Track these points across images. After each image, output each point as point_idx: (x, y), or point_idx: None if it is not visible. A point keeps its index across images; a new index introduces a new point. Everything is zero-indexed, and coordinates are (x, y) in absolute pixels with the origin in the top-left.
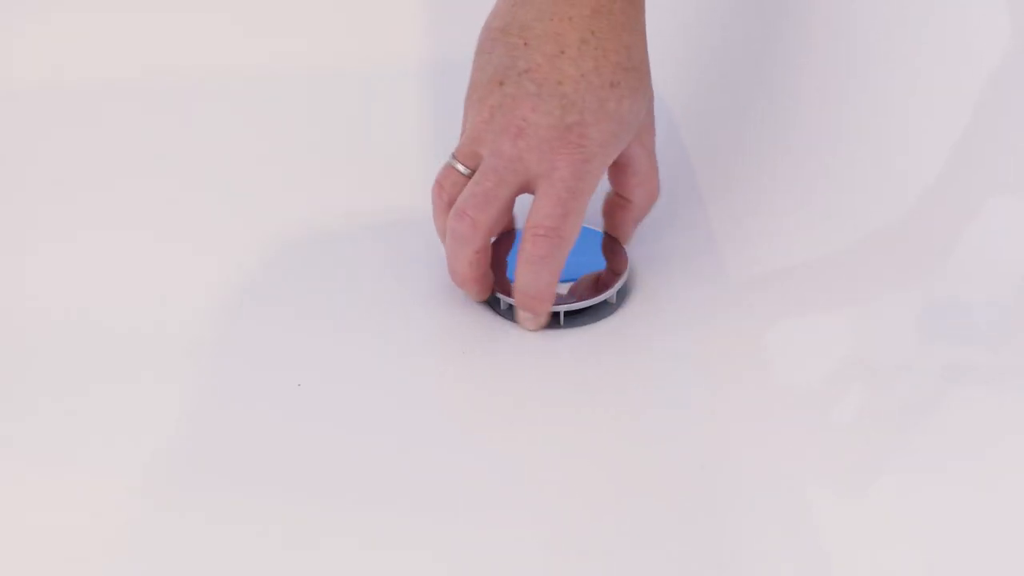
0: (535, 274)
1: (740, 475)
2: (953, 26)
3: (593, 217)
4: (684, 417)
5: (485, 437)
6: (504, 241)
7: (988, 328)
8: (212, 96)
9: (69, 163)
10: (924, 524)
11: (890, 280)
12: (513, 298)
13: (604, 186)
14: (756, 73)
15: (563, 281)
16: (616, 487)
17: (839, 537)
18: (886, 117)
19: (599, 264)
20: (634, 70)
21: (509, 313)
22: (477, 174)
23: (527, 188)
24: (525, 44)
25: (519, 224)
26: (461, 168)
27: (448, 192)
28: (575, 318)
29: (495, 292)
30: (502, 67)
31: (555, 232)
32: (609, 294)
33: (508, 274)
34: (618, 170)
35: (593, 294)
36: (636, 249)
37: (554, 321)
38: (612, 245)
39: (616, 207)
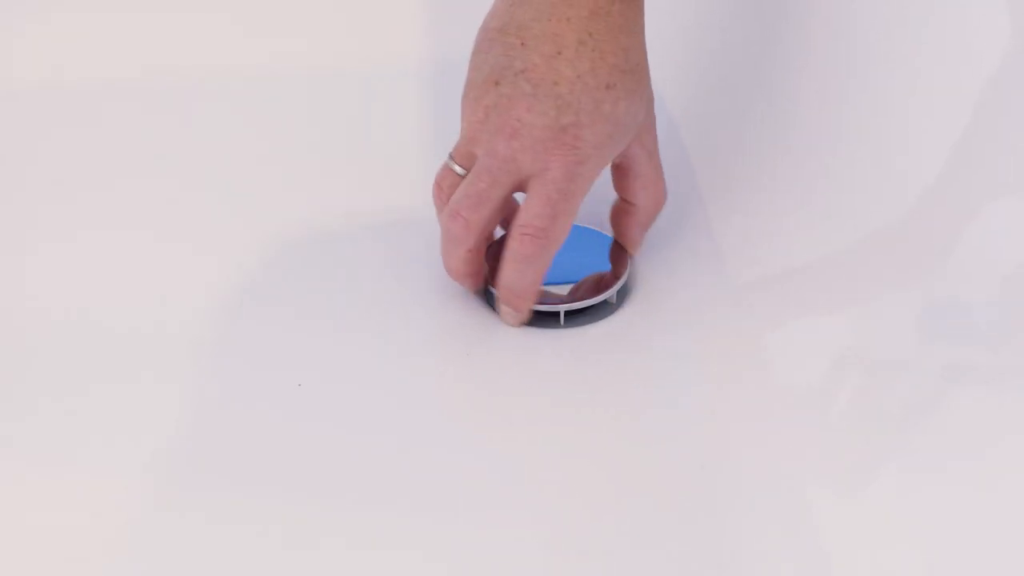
0: (519, 273)
1: (740, 475)
2: (953, 26)
3: (604, 222)
4: (684, 417)
5: (485, 437)
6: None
7: (988, 328)
8: (212, 96)
9: (69, 163)
10: (924, 524)
11: (890, 280)
12: (496, 292)
13: (612, 194)
14: (756, 73)
15: (565, 283)
16: (616, 487)
17: (839, 537)
18: (886, 117)
19: (602, 266)
20: (631, 72)
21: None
22: (471, 174)
23: (520, 188)
24: (522, 44)
25: None
26: (458, 169)
27: (447, 192)
28: (575, 318)
29: (495, 291)
30: (498, 67)
31: (542, 232)
32: (609, 294)
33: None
34: (620, 174)
35: (593, 294)
36: None
37: (554, 321)
38: (618, 250)
39: (621, 213)
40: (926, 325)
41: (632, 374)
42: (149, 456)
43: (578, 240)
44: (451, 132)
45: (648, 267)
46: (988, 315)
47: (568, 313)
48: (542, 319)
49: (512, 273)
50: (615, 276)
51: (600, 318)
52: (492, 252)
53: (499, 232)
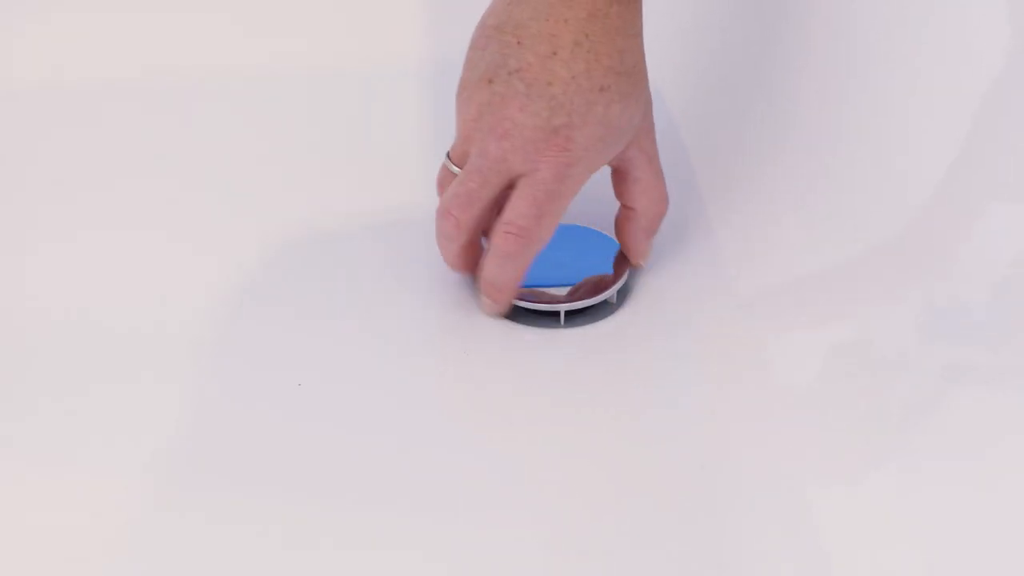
0: (500, 269)
1: (740, 475)
2: (953, 26)
3: (603, 223)
4: (684, 417)
5: (485, 437)
6: None
7: (988, 328)
8: (212, 96)
9: (69, 163)
10: (924, 524)
11: (890, 280)
12: (478, 285)
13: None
14: (756, 73)
15: (565, 283)
16: (616, 487)
17: (839, 537)
18: (886, 117)
19: (603, 267)
20: (627, 75)
21: (510, 313)
22: (462, 173)
23: (512, 187)
24: (518, 43)
25: None
26: (455, 169)
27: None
28: (575, 318)
29: None
30: (493, 65)
31: (525, 232)
32: (609, 294)
33: None
34: (619, 178)
35: (593, 294)
36: None
37: (554, 321)
38: (622, 254)
39: (622, 219)
40: (926, 325)
41: (632, 374)
42: (149, 456)
43: (578, 241)
44: (451, 132)
45: (648, 267)
46: (988, 315)
47: (568, 313)
48: (542, 319)
49: (493, 268)
50: (615, 276)
51: (600, 318)
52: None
53: None
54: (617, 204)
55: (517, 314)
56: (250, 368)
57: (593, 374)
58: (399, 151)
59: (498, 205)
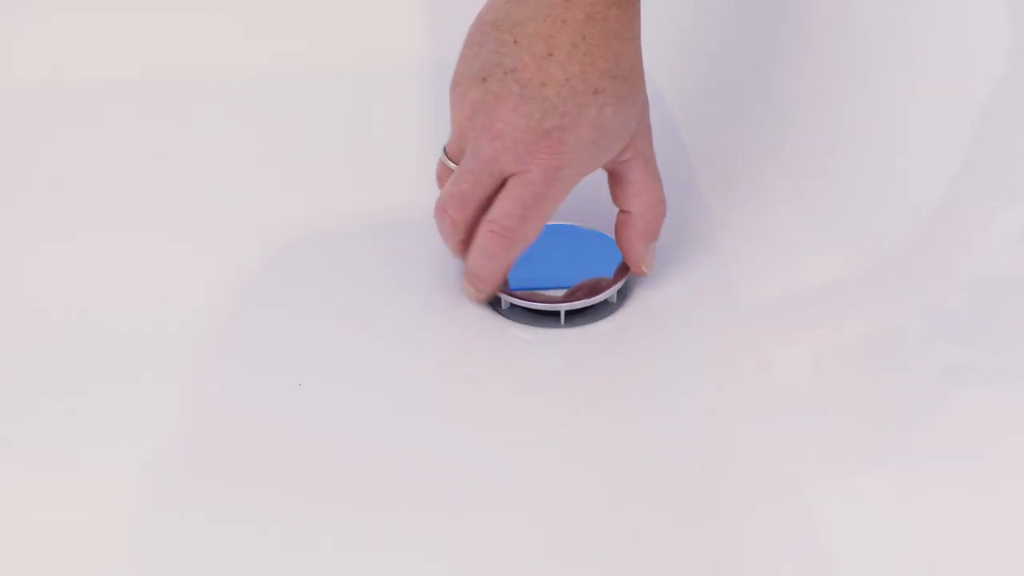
0: (483, 264)
1: (740, 475)
2: (953, 26)
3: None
4: (684, 417)
5: (485, 437)
6: None
7: (988, 328)
8: (212, 96)
9: (69, 163)
10: (924, 524)
11: (890, 280)
12: (464, 274)
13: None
14: (756, 74)
15: (565, 283)
16: (616, 487)
17: (839, 537)
18: (886, 117)
19: (603, 268)
20: (622, 78)
21: (510, 313)
22: (456, 173)
23: (504, 185)
24: (515, 42)
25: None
26: (451, 165)
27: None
28: (575, 318)
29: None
30: (488, 63)
31: (509, 232)
32: (609, 294)
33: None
34: (614, 181)
35: (593, 294)
36: None
37: (554, 321)
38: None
39: (619, 225)
40: (926, 325)
41: (632, 374)
42: (149, 456)
43: (578, 241)
44: (450, 132)
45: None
46: (988, 315)
47: (568, 313)
48: (542, 319)
49: (476, 263)
50: (615, 277)
51: (600, 318)
52: None
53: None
54: (609, 200)
55: (517, 314)
56: (250, 368)
57: (593, 374)
58: (399, 151)
59: (492, 201)
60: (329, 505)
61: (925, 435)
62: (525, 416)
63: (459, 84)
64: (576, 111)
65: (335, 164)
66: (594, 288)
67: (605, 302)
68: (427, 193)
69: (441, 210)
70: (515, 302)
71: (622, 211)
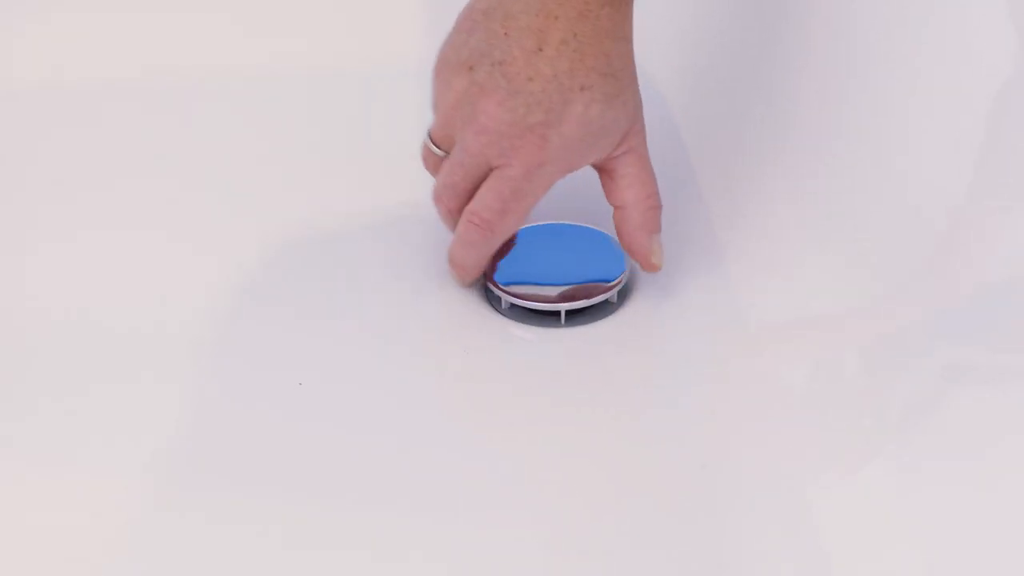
0: (463, 252)
1: (740, 475)
2: (953, 26)
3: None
4: (684, 417)
5: (485, 437)
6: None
7: (988, 328)
8: (212, 96)
9: (69, 163)
10: (924, 524)
11: (890, 280)
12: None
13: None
14: (756, 74)
15: (565, 283)
16: (616, 487)
17: (839, 537)
18: (886, 117)
19: (603, 267)
20: (612, 77)
21: (510, 312)
22: (447, 164)
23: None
24: (505, 34)
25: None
26: (436, 151)
27: (432, 168)
28: (576, 317)
29: (496, 290)
30: (477, 52)
31: (488, 224)
32: (610, 294)
33: (496, 276)
34: (606, 178)
35: (594, 294)
36: None
37: (555, 321)
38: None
39: (617, 221)
40: (926, 325)
41: (632, 374)
42: (149, 456)
43: (578, 240)
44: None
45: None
46: (988, 315)
47: (569, 313)
48: (542, 319)
49: (458, 251)
50: (616, 276)
51: (600, 318)
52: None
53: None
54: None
55: (517, 314)
56: (250, 368)
57: (593, 374)
58: (399, 151)
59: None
60: (329, 505)
61: (925, 435)
62: (525, 416)
63: (445, 68)
64: (561, 107)
65: (335, 164)
66: (594, 288)
67: (605, 302)
68: (427, 193)
69: (437, 199)
70: (515, 302)
71: (616, 207)
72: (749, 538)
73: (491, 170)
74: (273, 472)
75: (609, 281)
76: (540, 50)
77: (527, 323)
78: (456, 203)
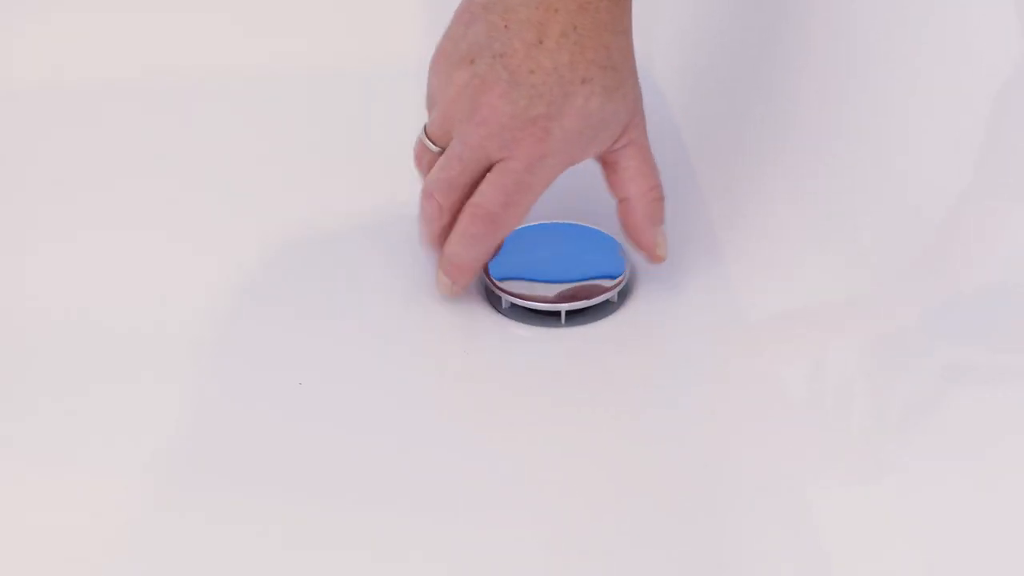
0: (463, 248)
1: (740, 475)
2: (953, 26)
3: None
4: (684, 417)
5: (485, 437)
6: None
7: (988, 328)
8: (212, 96)
9: (69, 163)
10: (924, 524)
11: (890, 280)
12: (440, 266)
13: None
14: (756, 74)
15: (566, 281)
16: (616, 487)
17: (839, 537)
18: (886, 117)
19: (603, 266)
20: (612, 69)
21: (511, 312)
22: (443, 158)
23: (489, 170)
24: (506, 27)
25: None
26: (432, 147)
27: (426, 166)
28: (576, 317)
29: (496, 290)
30: (477, 45)
31: (491, 217)
32: (611, 294)
33: (496, 275)
34: (609, 171)
35: (594, 294)
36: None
37: (555, 321)
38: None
39: (621, 214)
40: (926, 325)
41: (632, 374)
42: (149, 456)
43: (578, 240)
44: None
45: (649, 267)
46: (988, 315)
47: (569, 313)
48: (543, 319)
49: (456, 246)
50: (616, 276)
51: (601, 318)
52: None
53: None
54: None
55: (518, 314)
56: (250, 368)
57: (593, 374)
58: (399, 151)
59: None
60: (329, 505)
61: (925, 435)
62: (525, 416)
63: (445, 61)
64: (562, 100)
65: (335, 164)
66: (594, 288)
67: (605, 302)
68: None
69: (428, 194)
70: (515, 302)
71: (620, 200)
72: (749, 538)
73: (491, 165)
74: (273, 472)
75: (609, 281)
76: (540, 43)
77: (527, 323)
78: (451, 198)
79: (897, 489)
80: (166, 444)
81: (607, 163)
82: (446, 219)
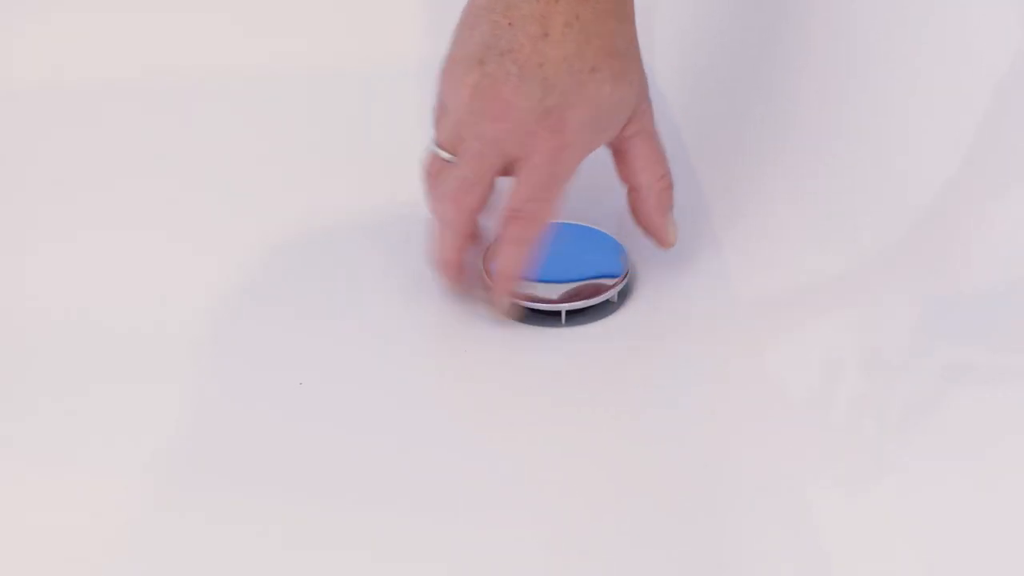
0: (513, 254)
1: (740, 475)
2: (953, 26)
3: (603, 222)
4: (684, 417)
5: (485, 437)
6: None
7: (988, 328)
8: (212, 96)
9: (69, 163)
10: (924, 524)
11: (890, 280)
12: (491, 282)
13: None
14: (756, 74)
15: (566, 281)
16: (616, 487)
17: (839, 537)
18: (886, 117)
19: (603, 266)
20: (618, 56)
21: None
22: (459, 158)
23: (507, 171)
24: (509, 24)
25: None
26: (444, 155)
27: (436, 180)
28: (576, 317)
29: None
30: (483, 45)
31: (531, 215)
32: (610, 294)
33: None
34: (619, 159)
35: (594, 294)
36: (638, 249)
37: (556, 320)
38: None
39: (632, 203)
40: (926, 325)
41: (632, 374)
42: (149, 456)
43: (578, 240)
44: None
45: (649, 267)
46: (988, 315)
47: (570, 312)
48: (543, 319)
49: (505, 257)
50: (616, 276)
51: (601, 318)
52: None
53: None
54: (608, 200)
55: (518, 313)
56: (250, 368)
57: (593, 374)
58: (399, 151)
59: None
60: (329, 505)
61: (925, 435)
62: (525, 416)
63: (454, 66)
64: (576, 89)
65: (335, 164)
66: (597, 285)
67: (606, 302)
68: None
69: (445, 197)
70: (515, 302)
71: (631, 188)
72: (749, 538)
73: (508, 163)
74: (273, 472)
75: (610, 280)
76: (546, 35)
77: (527, 323)
78: (469, 196)
79: (897, 489)
80: (166, 444)
81: (617, 151)
82: (463, 223)
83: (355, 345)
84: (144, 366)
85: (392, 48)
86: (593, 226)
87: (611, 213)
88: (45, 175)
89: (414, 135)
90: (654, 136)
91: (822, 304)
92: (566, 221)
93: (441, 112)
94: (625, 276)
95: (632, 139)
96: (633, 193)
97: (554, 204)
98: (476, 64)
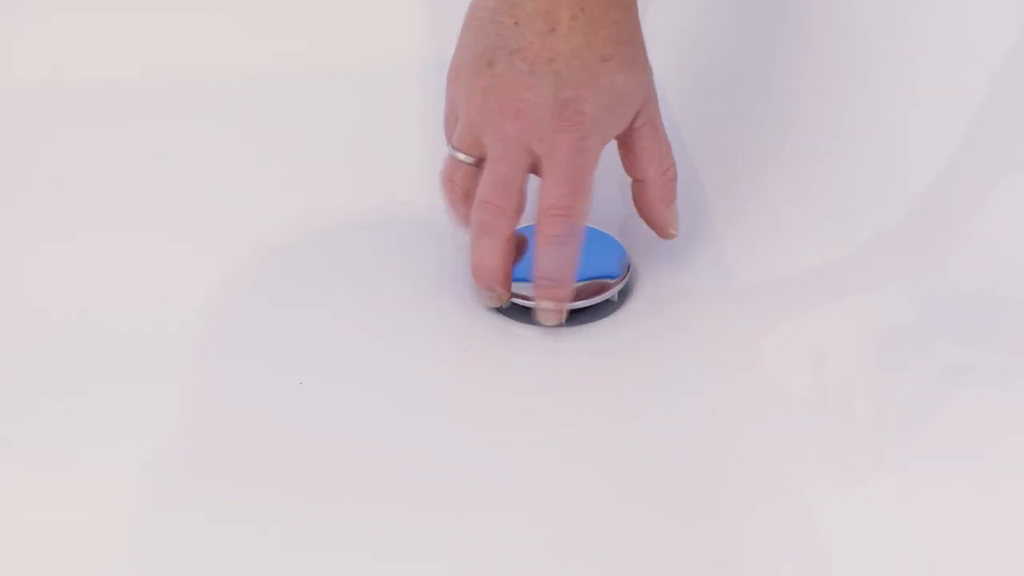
0: (557, 255)
1: (740, 475)
2: (953, 26)
3: (604, 222)
4: (684, 417)
5: (485, 437)
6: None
7: (988, 328)
8: (212, 96)
9: (69, 163)
10: (924, 524)
11: (890, 280)
12: (533, 290)
13: (611, 194)
14: (756, 74)
15: None
16: (616, 487)
17: (839, 537)
18: (886, 117)
19: (604, 266)
20: (626, 44)
21: (511, 312)
22: (489, 162)
23: (534, 169)
24: (515, 23)
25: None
26: (463, 157)
27: (461, 184)
28: (577, 317)
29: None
30: (491, 47)
31: (569, 211)
32: (611, 293)
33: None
34: (626, 151)
35: (595, 294)
36: (638, 249)
37: None
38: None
39: (636, 194)
40: (926, 325)
41: (632, 374)
42: (149, 456)
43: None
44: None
45: (649, 267)
46: (988, 315)
47: (570, 312)
48: None
49: (549, 260)
50: (617, 276)
51: (601, 317)
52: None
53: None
54: (608, 200)
55: (518, 313)
56: (250, 368)
57: (593, 374)
58: (399, 151)
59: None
60: (329, 505)
61: (925, 435)
62: (525, 416)
63: (463, 71)
64: (589, 80)
65: (335, 164)
66: (595, 287)
67: (606, 301)
68: (428, 193)
69: (486, 203)
70: (516, 301)
71: (637, 180)
72: (749, 538)
73: (534, 159)
74: (273, 472)
75: (610, 280)
76: (553, 30)
77: (527, 322)
78: (509, 198)
79: (897, 489)
80: (166, 444)
81: (624, 143)
82: (508, 226)
83: (355, 345)
84: (144, 366)
85: (392, 48)
86: (594, 226)
87: (612, 213)
88: (45, 175)
89: (414, 135)
90: (659, 127)
91: (822, 304)
92: None
93: (452, 117)
94: (625, 276)
95: (640, 130)
96: (638, 184)
97: (586, 196)
98: (486, 66)
